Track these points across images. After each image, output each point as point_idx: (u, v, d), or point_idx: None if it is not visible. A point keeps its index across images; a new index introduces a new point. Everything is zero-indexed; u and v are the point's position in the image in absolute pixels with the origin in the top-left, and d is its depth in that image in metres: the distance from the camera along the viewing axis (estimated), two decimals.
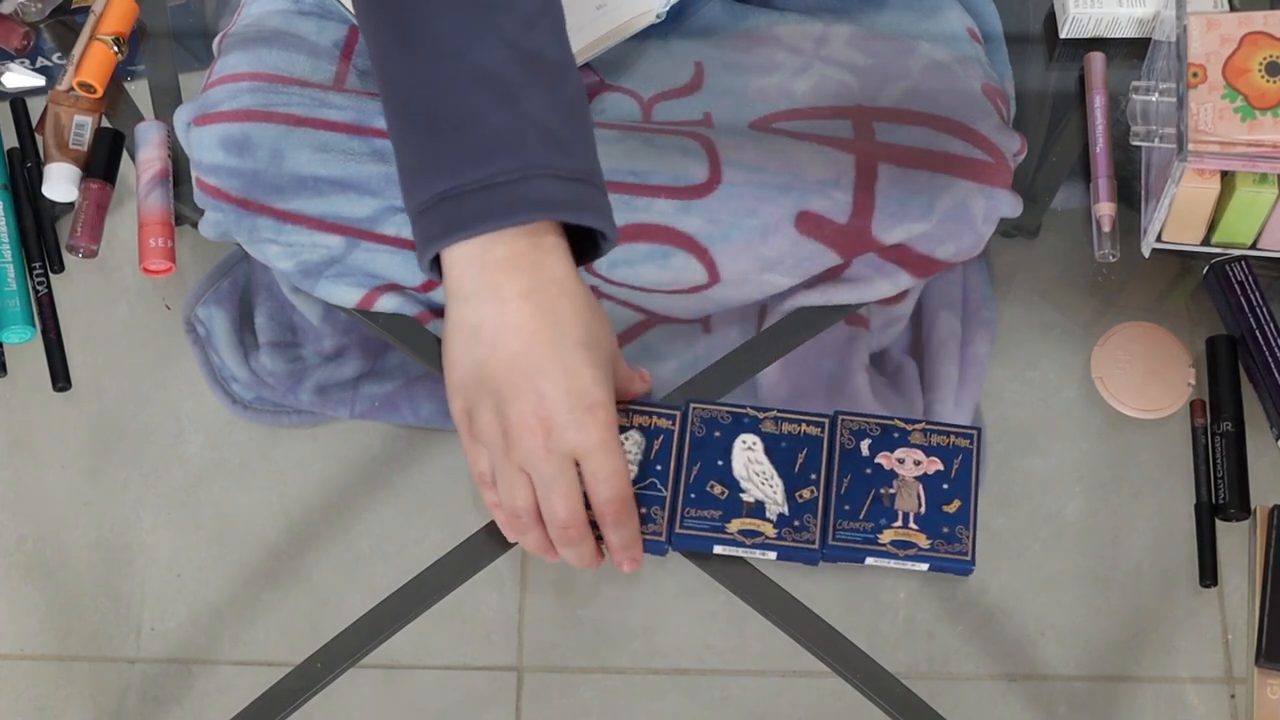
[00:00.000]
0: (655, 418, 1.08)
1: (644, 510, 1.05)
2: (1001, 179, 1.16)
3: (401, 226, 1.16)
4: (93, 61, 1.28)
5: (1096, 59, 1.28)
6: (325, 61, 1.19)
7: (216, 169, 1.16)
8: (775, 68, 1.22)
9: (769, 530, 1.04)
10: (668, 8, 1.21)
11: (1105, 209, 1.22)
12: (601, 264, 1.15)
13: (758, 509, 1.05)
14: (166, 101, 1.30)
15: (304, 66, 1.18)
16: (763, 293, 1.17)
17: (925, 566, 1.05)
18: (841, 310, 1.17)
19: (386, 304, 1.17)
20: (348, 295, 1.17)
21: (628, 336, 1.20)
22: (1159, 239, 1.20)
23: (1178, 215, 1.17)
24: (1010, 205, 1.16)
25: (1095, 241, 1.21)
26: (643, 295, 1.18)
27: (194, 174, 1.18)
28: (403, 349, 1.17)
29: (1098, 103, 1.26)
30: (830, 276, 1.16)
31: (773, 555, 1.05)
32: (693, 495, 1.05)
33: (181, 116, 1.19)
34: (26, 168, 1.28)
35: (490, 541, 1.09)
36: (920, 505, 1.05)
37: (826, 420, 1.07)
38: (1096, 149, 1.24)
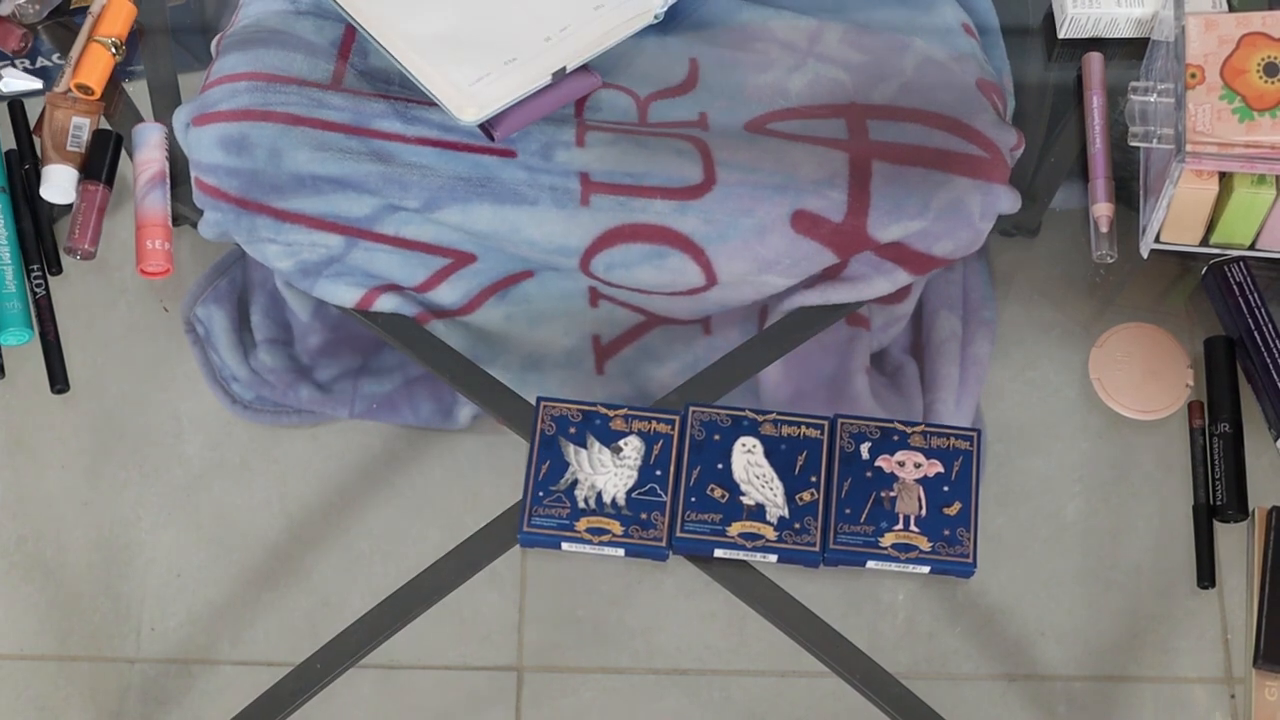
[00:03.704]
0: (654, 422, 1.08)
1: (644, 515, 1.05)
2: (998, 174, 1.16)
3: (400, 225, 1.16)
4: (91, 63, 1.28)
5: (1095, 59, 1.28)
6: (323, 61, 1.19)
7: (215, 169, 1.16)
8: (770, 64, 1.21)
9: (770, 533, 1.05)
10: (665, 8, 1.20)
11: (1103, 209, 1.22)
12: (599, 265, 1.15)
13: (758, 512, 1.05)
14: (165, 102, 1.30)
15: (302, 66, 1.18)
16: (761, 294, 1.17)
17: (926, 569, 1.05)
18: (841, 310, 1.17)
19: (385, 304, 1.17)
20: (347, 295, 1.17)
21: (628, 338, 1.20)
22: (1157, 240, 1.20)
23: (1176, 216, 1.17)
24: (1008, 201, 1.17)
25: (1093, 242, 1.21)
26: (642, 297, 1.18)
27: (193, 174, 1.18)
28: (402, 349, 1.17)
29: (1096, 103, 1.26)
30: (829, 276, 1.16)
31: (773, 558, 1.05)
32: (693, 499, 1.05)
33: (180, 117, 1.19)
34: (24, 170, 1.27)
35: (490, 541, 1.10)
36: (921, 508, 1.05)
37: (826, 423, 1.08)
38: (1095, 149, 1.24)
